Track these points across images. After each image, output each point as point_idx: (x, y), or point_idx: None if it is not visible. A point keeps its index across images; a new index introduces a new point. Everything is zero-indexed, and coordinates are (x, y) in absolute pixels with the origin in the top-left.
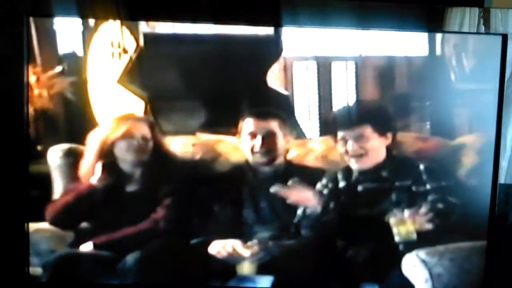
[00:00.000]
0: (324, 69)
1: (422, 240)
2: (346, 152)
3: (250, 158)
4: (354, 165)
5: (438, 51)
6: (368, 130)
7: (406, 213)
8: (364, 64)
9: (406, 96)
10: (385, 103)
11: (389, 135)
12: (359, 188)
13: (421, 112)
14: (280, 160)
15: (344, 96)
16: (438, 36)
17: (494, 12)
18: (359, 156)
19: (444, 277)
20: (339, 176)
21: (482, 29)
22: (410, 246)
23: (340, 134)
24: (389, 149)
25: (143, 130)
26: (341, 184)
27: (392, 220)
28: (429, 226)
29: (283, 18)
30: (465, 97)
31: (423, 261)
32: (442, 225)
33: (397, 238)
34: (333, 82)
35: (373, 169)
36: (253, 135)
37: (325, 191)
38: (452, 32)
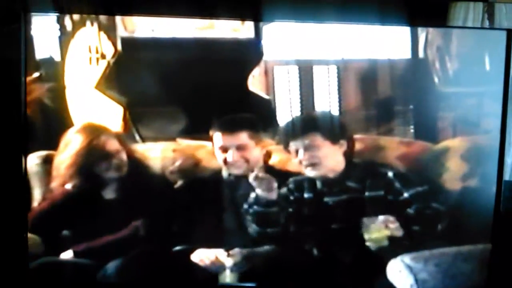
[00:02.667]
0: (305, 73)
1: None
2: (300, 162)
3: (224, 170)
4: (310, 173)
5: (421, 54)
6: (317, 139)
7: (378, 220)
8: (346, 67)
9: (388, 99)
10: (335, 111)
11: (343, 142)
12: (328, 198)
13: (405, 116)
14: (259, 166)
15: (326, 101)
16: (422, 38)
17: (498, 6)
18: (313, 165)
19: (430, 282)
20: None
21: (487, 24)
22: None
23: (292, 144)
24: (347, 156)
25: (113, 144)
26: (307, 194)
27: (364, 228)
28: (400, 232)
29: (263, 13)
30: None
31: (409, 267)
32: (432, 230)
33: (369, 244)
34: (315, 87)
35: (336, 178)
36: (224, 149)
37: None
38: (456, 27)
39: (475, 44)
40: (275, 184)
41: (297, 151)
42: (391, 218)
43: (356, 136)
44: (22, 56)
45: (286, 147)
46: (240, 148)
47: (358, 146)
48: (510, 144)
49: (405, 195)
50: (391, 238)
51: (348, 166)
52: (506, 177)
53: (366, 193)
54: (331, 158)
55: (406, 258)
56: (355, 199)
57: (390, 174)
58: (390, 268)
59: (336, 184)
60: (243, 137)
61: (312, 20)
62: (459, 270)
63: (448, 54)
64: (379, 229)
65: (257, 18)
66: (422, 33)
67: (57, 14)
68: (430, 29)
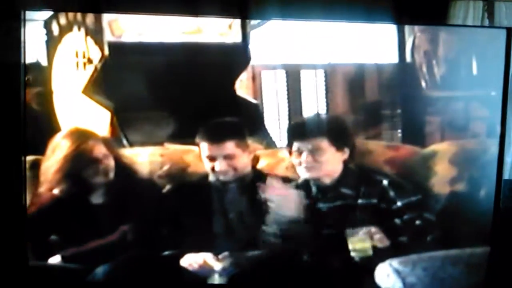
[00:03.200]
0: (293, 77)
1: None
2: (300, 163)
3: (211, 176)
4: (305, 175)
5: (408, 59)
6: (324, 143)
7: (363, 230)
8: (333, 71)
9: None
10: (344, 118)
11: (346, 150)
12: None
13: (392, 120)
14: (246, 171)
15: (313, 105)
16: (409, 43)
17: (498, 5)
18: (311, 168)
19: (418, 286)
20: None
21: (486, 22)
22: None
23: (295, 145)
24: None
25: (100, 149)
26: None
27: (349, 237)
28: (384, 243)
29: (250, 10)
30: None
31: (397, 271)
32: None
33: (353, 254)
34: (302, 91)
35: (332, 184)
36: (211, 159)
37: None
38: (457, 26)
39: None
40: None
41: (300, 152)
42: (374, 229)
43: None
44: (22, 55)
45: (288, 146)
46: (227, 157)
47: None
48: (510, 144)
49: (398, 204)
50: (375, 249)
51: (344, 173)
52: (506, 175)
53: (359, 201)
54: (331, 164)
55: (394, 262)
56: (348, 206)
57: (385, 182)
58: (378, 272)
59: (330, 190)
60: (230, 146)
61: (304, 18)
62: (448, 274)
63: (436, 58)
64: (362, 240)
65: (244, 16)
66: (409, 37)
67: (54, 11)
68: (418, 34)
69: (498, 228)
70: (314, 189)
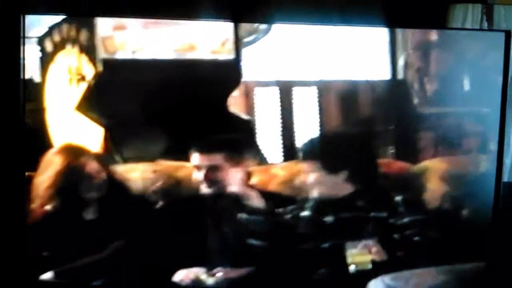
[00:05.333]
0: (286, 94)
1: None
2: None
3: (204, 191)
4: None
5: (400, 75)
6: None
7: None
8: (326, 88)
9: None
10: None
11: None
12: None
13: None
14: (237, 186)
15: (306, 121)
16: (401, 59)
17: (497, 8)
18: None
19: None
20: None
21: (485, 25)
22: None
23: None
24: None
25: (93, 165)
26: (304, 212)
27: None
28: (382, 257)
29: (241, 13)
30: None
31: (389, 287)
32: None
33: (351, 267)
34: (294, 107)
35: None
36: (198, 168)
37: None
38: (456, 29)
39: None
40: None
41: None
42: (371, 242)
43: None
44: (21, 59)
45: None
46: (213, 168)
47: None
48: (509, 146)
49: (405, 220)
50: (373, 262)
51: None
52: (505, 178)
53: (370, 214)
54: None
55: (387, 278)
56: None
57: (398, 198)
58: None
59: (339, 205)
60: (218, 158)
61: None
62: None
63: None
64: (361, 254)
65: (235, 19)
66: (402, 54)
67: (54, 15)
68: (410, 51)
69: (496, 232)
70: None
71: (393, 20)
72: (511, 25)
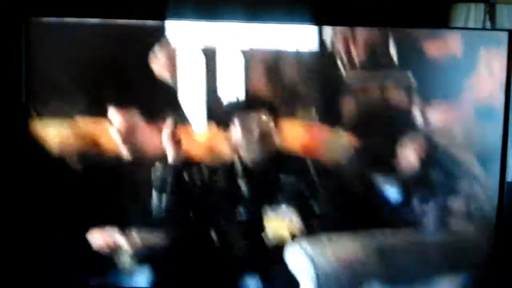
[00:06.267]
0: (211, 59)
1: None
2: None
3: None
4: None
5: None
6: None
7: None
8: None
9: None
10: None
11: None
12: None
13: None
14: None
15: (231, 89)
16: (328, 30)
17: (499, 8)
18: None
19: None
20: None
21: (488, 25)
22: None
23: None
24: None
25: None
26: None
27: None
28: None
29: (168, 11)
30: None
31: (306, 252)
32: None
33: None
34: (220, 73)
35: (262, 161)
36: (113, 123)
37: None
38: (458, 28)
39: None
40: None
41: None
42: (293, 215)
43: None
44: (23, 62)
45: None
46: (129, 124)
47: None
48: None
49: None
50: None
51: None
52: (509, 178)
53: (283, 179)
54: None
55: (304, 243)
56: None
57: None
58: (288, 253)
59: (259, 167)
60: (134, 113)
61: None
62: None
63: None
64: (280, 222)
65: (162, 17)
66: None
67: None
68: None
69: (501, 232)
70: (239, 166)
71: (397, 19)
72: None
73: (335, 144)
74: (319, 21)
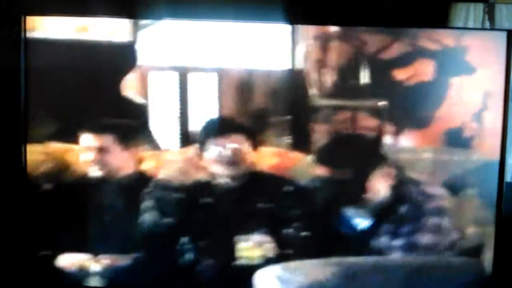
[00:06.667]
0: (182, 79)
1: None
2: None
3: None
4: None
5: (299, 65)
6: (240, 140)
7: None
8: (224, 75)
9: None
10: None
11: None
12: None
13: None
14: (127, 171)
15: (203, 109)
16: (300, 50)
17: (499, 7)
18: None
19: None
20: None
21: (487, 25)
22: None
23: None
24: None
25: None
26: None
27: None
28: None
29: (138, 9)
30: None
31: (277, 277)
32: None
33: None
34: (192, 94)
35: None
36: (87, 149)
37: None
38: (457, 28)
39: None
40: None
41: (215, 152)
42: (265, 238)
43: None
44: (22, 61)
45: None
46: (103, 150)
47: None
48: None
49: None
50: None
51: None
52: (508, 178)
53: (258, 205)
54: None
55: (276, 268)
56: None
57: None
58: (258, 278)
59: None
60: (107, 139)
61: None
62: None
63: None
64: (252, 248)
65: (131, 16)
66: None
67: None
68: (310, 41)
69: (500, 234)
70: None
71: (396, 19)
72: None
73: (306, 170)
74: (320, 21)
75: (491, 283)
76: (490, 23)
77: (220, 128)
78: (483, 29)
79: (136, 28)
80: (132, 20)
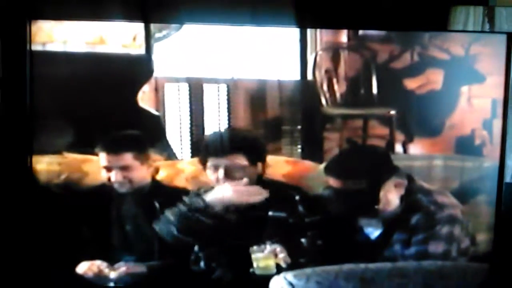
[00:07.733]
0: (196, 90)
1: None
2: (218, 180)
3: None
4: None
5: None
6: (241, 159)
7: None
8: (236, 86)
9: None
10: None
11: (260, 164)
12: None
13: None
14: (145, 182)
15: (216, 119)
16: (310, 60)
17: (498, 10)
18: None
19: None
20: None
21: (487, 27)
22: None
23: (211, 161)
24: (260, 178)
25: None
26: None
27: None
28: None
29: (153, 15)
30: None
31: (291, 284)
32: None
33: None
34: (205, 104)
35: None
36: (108, 169)
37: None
38: (457, 31)
39: None
40: None
41: (216, 168)
42: (279, 247)
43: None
44: (27, 64)
45: (203, 163)
46: (123, 168)
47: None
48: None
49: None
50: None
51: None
52: (507, 179)
53: (270, 213)
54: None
55: (289, 275)
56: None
57: (297, 197)
58: (272, 285)
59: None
60: (127, 158)
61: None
62: None
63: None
64: (267, 258)
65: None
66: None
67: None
68: (320, 52)
69: (499, 232)
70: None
71: (399, 23)
72: None
73: (318, 180)
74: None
75: (490, 279)
76: (490, 26)
77: (231, 141)
78: (483, 32)
79: (150, 41)
80: (146, 33)
